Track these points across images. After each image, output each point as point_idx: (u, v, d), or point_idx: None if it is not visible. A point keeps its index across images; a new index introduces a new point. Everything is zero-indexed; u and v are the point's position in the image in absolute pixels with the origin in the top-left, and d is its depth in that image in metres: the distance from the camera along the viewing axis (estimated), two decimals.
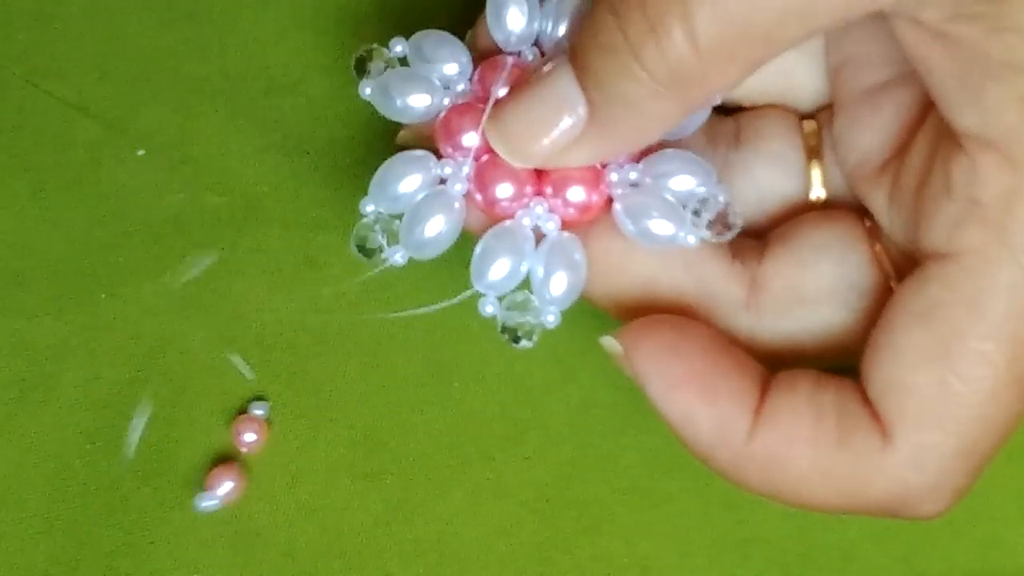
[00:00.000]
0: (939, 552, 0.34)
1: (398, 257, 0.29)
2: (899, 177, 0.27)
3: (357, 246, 0.29)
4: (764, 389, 0.27)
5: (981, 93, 0.25)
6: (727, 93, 0.27)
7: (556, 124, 0.27)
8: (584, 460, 0.34)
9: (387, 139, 0.33)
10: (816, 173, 0.30)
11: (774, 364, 0.28)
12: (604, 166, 0.28)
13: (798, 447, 0.26)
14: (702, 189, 0.28)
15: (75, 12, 0.33)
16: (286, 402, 0.33)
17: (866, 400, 0.26)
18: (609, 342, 0.28)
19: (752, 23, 0.24)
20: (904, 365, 0.26)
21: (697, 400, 0.27)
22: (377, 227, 0.29)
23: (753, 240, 0.30)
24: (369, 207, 0.29)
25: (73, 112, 0.33)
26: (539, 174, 0.28)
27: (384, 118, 0.32)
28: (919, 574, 0.34)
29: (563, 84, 0.27)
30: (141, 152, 0.33)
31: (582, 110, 0.27)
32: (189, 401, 0.33)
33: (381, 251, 0.29)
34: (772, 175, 0.30)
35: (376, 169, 0.29)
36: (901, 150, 0.28)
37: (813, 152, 0.30)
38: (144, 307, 0.33)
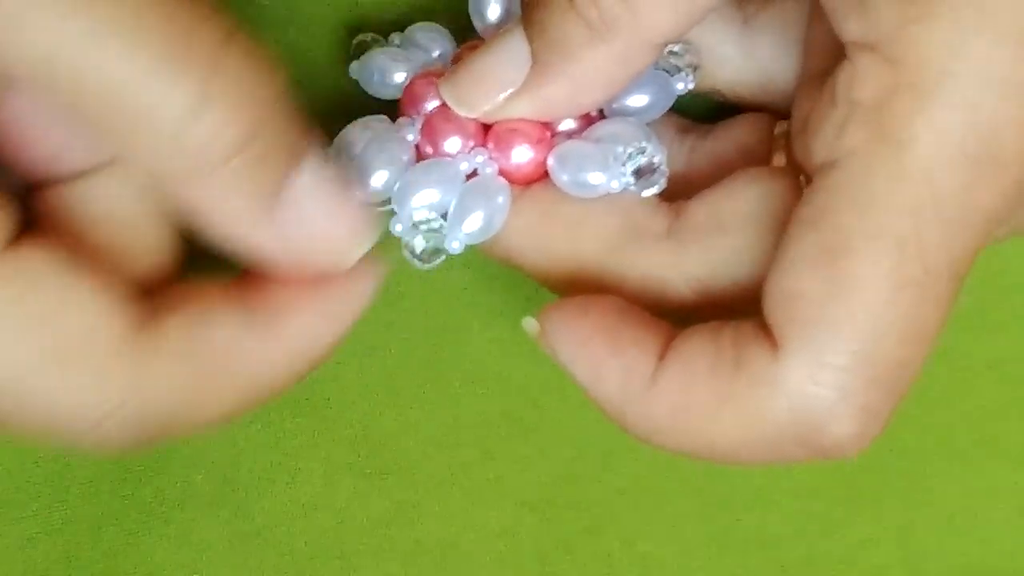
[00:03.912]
0: (939, 552, 0.34)
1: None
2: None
3: None
4: (669, 339, 0.27)
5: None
6: (670, 40, 0.27)
7: (501, 72, 0.28)
8: (584, 460, 0.34)
9: None
10: (779, 160, 0.30)
11: (698, 309, 0.28)
12: (554, 135, 0.29)
13: (699, 381, 0.26)
14: (638, 141, 0.29)
15: None
16: (286, 402, 0.33)
17: (763, 326, 0.26)
18: (529, 323, 0.28)
19: None
20: (792, 272, 0.25)
21: (604, 352, 0.27)
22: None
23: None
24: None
25: None
26: (486, 130, 0.29)
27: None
28: (919, 574, 0.34)
29: (512, 37, 0.28)
30: None
31: (526, 58, 0.28)
32: None
33: None
34: (735, 160, 0.30)
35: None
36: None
37: (782, 148, 0.30)
38: None
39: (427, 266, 0.29)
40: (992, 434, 0.34)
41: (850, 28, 0.25)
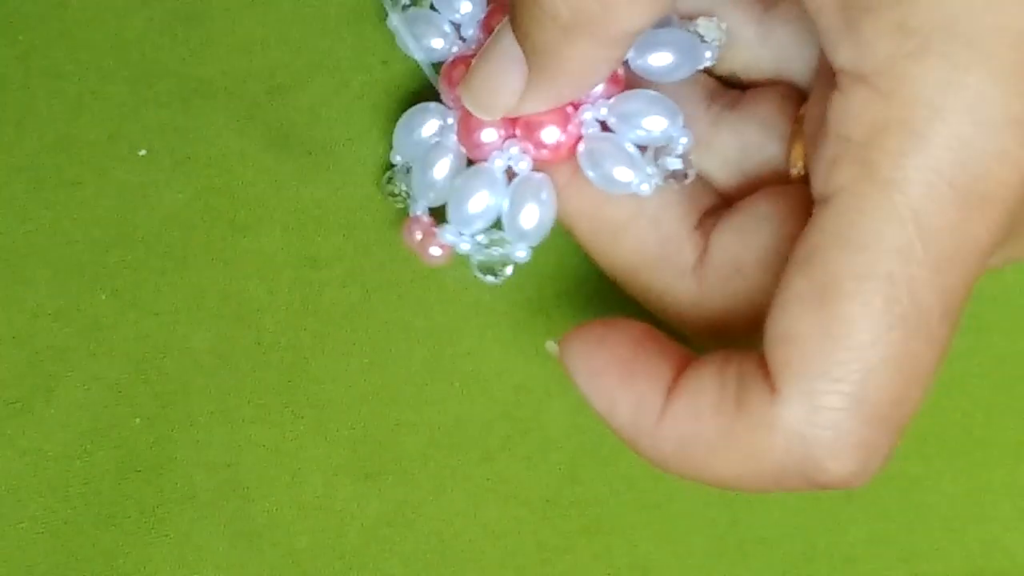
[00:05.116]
0: (939, 552, 0.34)
1: (419, 211, 0.31)
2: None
3: (389, 193, 0.32)
4: (681, 370, 0.27)
5: (857, 27, 0.25)
6: (648, 26, 0.27)
7: (505, 78, 0.29)
8: (584, 460, 0.34)
9: (387, 139, 0.33)
10: (799, 150, 0.30)
11: (719, 338, 0.29)
12: (577, 107, 0.30)
13: (704, 417, 0.26)
14: (665, 124, 0.29)
15: (75, 12, 0.33)
16: (286, 402, 0.33)
17: (764, 363, 0.26)
18: (551, 346, 0.29)
19: None
20: (787, 314, 0.25)
21: (617, 384, 0.27)
22: (401, 175, 0.32)
23: (725, 209, 0.30)
24: (397, 158, 0.32)
25: (73, 112, 0.33)
26: (513, 117, 0.30)
27: (385, 116, 0.32)
28: (918, 574, 0.34)
29: (506, 39, 0.28)
30: (142, 152, 0.33)
31: (523, 62, 0.28)
32: (189, 401, 0.33)
33: (403, 195, 0.32)
34: (759, 138, 0.30)
35: (382, 166, 0.32)
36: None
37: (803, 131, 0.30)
38: (144, 307, 0.33)
39: (497, 280, 0.31)
40: (992, 434, 0.34)
41: (841, 56, 0.25)
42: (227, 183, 0.33)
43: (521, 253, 0.30)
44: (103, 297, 0.33)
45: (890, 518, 0.34)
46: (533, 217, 0.30)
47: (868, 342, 0.24)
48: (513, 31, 0.28)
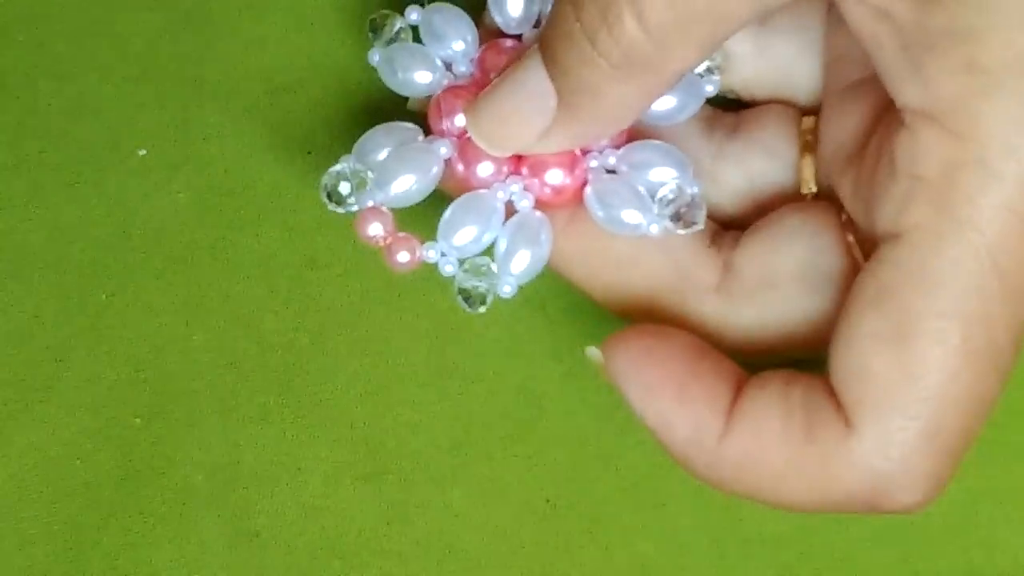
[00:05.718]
0: (939, 552, 0.34)
1: (370, 203, 0.29)
2: (861, 165, 0.27)
3: (327, 194, 0.29)
4: (738, 391, 0.27)
5: (921, 66, 0.25)
6: (689, 71, 0.27)
7: (527, 113, 0.28)
8: (584, 460, 0.34)
9: None
10: (808, 167, 0.30)
11: (747, 354, 0.28)
12: (585, 153, 0.29)
13: (768, 445, 0.26)
14: (675, 181, 0.29)
15: (75, 12, 0.33)
16: (286, 402, 0.33)
17: (832, 392, 0.26)
18: (593, 352, 0.29)
19: (698, 4, 0.25)
20: (861, 350, 0.25)
21: (672, 403, 0.27)
22: (348, 174, 0.29)
23: (739, 231, 0.30)
24: (356, 165, 0.29)
25: (73, 112, 0.33)
26: (519, 155, 0.29)
27: (384, 117, 0.32)
28: (919, 574, 0.34)
29: (533, 74, 0.27)
30: (142, 152, 0.33)
31: (551, 99, 0.27)
32: (189, 401, 0.33)
33: (349, 198, 0.29)
34: (764, 165, 0.30)
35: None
36: (867, 139, 0.28)
37: (808, 147, 0.30)
38: (144, 307, 0.33)
39: (480, 309, 0.29)
40: (992, 434, 0.34)
41: (908, 95, 0.25)
42: (227, 183, 0.33)
43: (508, 288, 0.29)
44: (103, 297, 0.33)
45: (890, 518, 0.34)
46: (524, 262, 0.29)
47: (944, 380, 0.25)
48: (547, 65, 0.27)
